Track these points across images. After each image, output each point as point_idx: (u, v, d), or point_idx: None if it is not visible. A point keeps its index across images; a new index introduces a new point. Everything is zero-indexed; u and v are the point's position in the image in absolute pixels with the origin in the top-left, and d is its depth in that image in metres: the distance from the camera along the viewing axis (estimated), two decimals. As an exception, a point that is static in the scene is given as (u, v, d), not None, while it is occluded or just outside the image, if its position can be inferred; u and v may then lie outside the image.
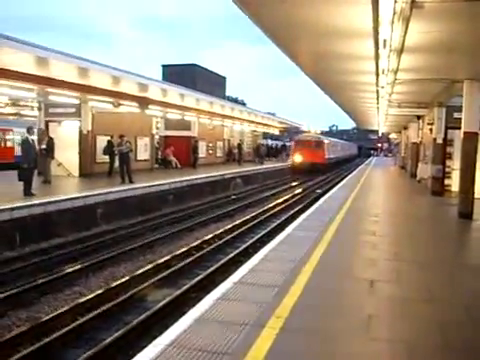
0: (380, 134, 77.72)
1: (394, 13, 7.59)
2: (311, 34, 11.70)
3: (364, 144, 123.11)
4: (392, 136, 71.59)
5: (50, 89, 20.44)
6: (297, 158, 48.64)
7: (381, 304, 6.95)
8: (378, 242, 11.15)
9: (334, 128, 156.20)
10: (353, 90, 22.43)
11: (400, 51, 10.81)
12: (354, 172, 42.82)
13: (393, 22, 8.08)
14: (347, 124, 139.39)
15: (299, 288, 7.24)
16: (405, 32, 9.11)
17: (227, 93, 70.47)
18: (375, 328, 5.98)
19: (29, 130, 17.68)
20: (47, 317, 8.77)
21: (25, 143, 17.00)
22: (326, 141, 54.12)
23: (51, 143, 20.88)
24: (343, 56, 13.91)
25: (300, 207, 22.98)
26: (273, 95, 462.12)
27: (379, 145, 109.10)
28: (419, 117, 28.74)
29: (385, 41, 9.29)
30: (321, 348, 5.39)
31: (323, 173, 47.78)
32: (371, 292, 7.40)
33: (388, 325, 6.24)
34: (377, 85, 16.82)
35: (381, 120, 36.71)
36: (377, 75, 14.77)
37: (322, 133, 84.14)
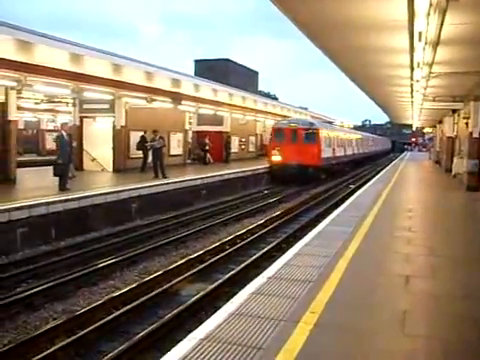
0: (414, 128, 76.53)
1: (430, 5, 7.48)
2: (346, 28, 11.60)
3: (398, 139, 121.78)
4: (426, 130, 70.37)
5: (85, 85, 20.66)
6: (276, 157, 32.20)
7: (416, 300, 6.86)
8: (413, 237, 11.01)
9: (367, 123, 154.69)
10: (387, 84, 22.21)
11: (436, 44, 10.67)
12: (388, 167, 42.33)
13: (429, 14, 7.96)
14: (381, 119, 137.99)
15: (333, 283, 7.21)
16: (441, 24, 8.98)
17: (259, 87, 70.51)
18: (410, 324, 5.91)
19: (62, 126, 17.91)
20: (82, 310, 8.89)
21: (60, 139, 17.20)
22: (323, 130, 34.88)
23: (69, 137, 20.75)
24: (378, 49, 13.79)
25: (332, 203, 22.86)
26: (305, 89, 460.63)
27: (413, 140, 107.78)
28: (454, 111, 28.28)
29: (420, 33, 9.16)
30: (355, 344, 5.35)
31: (317, 182, 32.16)
32: (406, 288, 7.32)
33: (423, 321, 6.16)
34: (412, 79, 16.62)
35: (415, 114, 36.22)
36: (412, 69, 14.60)
37: (355, 128, 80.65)
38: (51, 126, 45.09)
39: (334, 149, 37.78)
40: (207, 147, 32.73)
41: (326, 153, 34.36)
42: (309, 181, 30.95)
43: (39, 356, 6.97)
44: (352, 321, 5.96)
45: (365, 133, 70.86)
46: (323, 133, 34.04)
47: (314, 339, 5.28)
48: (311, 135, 32.33)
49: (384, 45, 13.08)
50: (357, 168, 49.20)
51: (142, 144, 24.22)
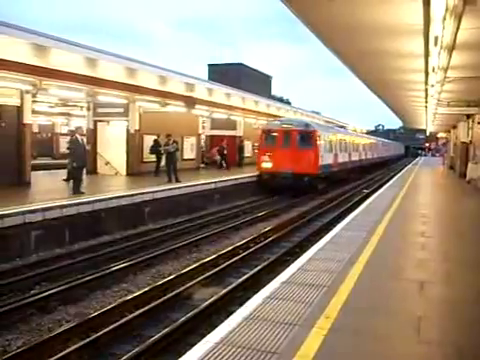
0: (428, 133, 76.02)
1: (446, 9, 7.45)
2: (360, 32, 11.59)
3: (411, 144, 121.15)
4: (440, 135, 69.89)
5: (99, 89, 20.78)
6: (266, 164, 27.85)
7: (431, 305, 6.83)
8: (427, 243, 10.95)
9: (380, 127, 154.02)
10: (401, 89, 22.13)
11: (451, 48, 10.62)
12: (401, 172, 42.10)
13: (445, 19, 7.93)
14: (394, 124, 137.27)
15: (348, 288, 7.18)
16: (457, 29, 8.93)
17: (272, 92, 70.53)
18: (425, 330, 5.86)
19: (77, 130, 18.00)
20: (95, 313, 8.92)
21: (74, 143, 17.27)
22: (321, 132, 29.59)
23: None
24: (392, 54, 13.76)
25: (346, 207, 22.76)
26: (318, 94, 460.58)
27: (427, 145, 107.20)
28: (469, 116, 28.15)
29: (436, 38, 9.13)
30: (370, 349, 5.32)
31: (316, 193, 27.99)
32: (421, 293, 7.27)
33: (438, 327, 6.13)
34: (426, 83, 16.57)
35: (429, 119, 36.07)
36: (426, 73, 14.55)
37: (368, 133, 79.46)
38: (65, 130, 45.39)
39: (336, 154, 33.28)
40: (225, 151, 32.74)
41: (325, 159, 29.68)
42: (304, 192, 26.81)
43: (53, 358, 6.98)
44: (367, 326, 5.93)
45: (376, 137, 67.82)
46: (321, 136, 29.17)
47: (329, 344, 5.25)
48: (307, 138, 27.56)
49: (398, 49, 13.03)
50: (367, 175, 46.66)
51: (155, 148, 24.31)
